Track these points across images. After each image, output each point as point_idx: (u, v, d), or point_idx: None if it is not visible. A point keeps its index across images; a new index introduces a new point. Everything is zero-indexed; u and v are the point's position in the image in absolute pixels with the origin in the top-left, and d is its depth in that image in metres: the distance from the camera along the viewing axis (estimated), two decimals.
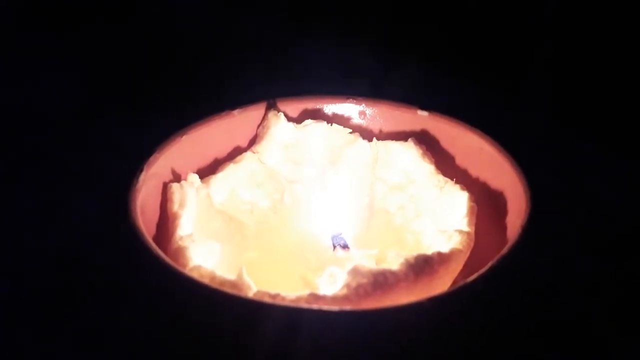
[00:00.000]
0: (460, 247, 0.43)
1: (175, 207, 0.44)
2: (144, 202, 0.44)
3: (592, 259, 0.50)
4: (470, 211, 0.45)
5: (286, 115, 0.50)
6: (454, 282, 0.43)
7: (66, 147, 0.60)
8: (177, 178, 0.47)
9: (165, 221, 0.45)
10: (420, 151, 0.48)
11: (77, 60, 0.71)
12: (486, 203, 0.46)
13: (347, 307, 0.38)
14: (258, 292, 0.39)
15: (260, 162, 0.48)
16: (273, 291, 0.39)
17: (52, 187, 0.56)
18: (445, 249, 0.42)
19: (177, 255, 0.42)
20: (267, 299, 0.38)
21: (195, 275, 0.40)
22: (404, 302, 0.38)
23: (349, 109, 0.52)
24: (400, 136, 0.50)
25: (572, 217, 0.53)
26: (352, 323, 0.37)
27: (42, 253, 0.50)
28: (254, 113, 0.50)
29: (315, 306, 0.38)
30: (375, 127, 0.51)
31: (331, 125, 0.49)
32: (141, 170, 0.45)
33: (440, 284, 0.42)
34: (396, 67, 0.67)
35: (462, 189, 0.46)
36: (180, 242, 0.42)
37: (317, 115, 0.51)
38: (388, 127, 0.51)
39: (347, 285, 0.39)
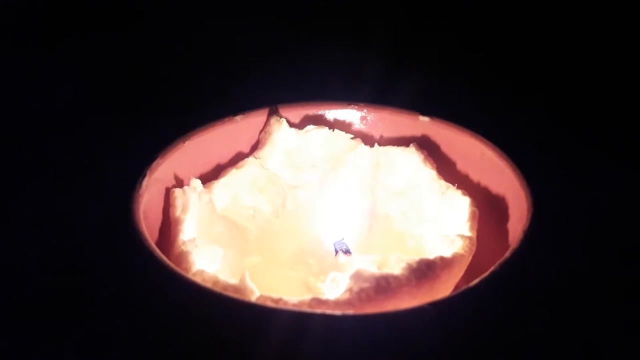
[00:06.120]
0: (462, 251, 0.43)
1: (177, 212, 0.45)
2: (146, 207, 0.44)
3: (593, 263, 0.50)
4: (472, 216, 0.45)
5: (288, 121, 0.50)
6: (456, 286, 0.43)
7: (69, 153, 0.60)
8: (179, 183, 0.47)
9: (168, 226, 0.45)
10: (422, 157, 0.48)
11: (80, 65, 0.71)
12: (488, 208, 0.47)
13: (350, 311, 0.39)
14: (261, 296, 0.39)
15: (262, 168, 0.48)
16: (275, 296, 0.39)
17: (56, 192, 0.56)
18: (447, 253, 0.42)
19: (180, 260, 0.42)
20: (269, 304, 0.38)
21: (198, 279, 0.40)
22: (406, 307, 0.39)
23: (351, 114, 0.52)
24: (402, 142, 0.50)
25: (574, 222, 0.53)
26: (355, 327, 0.38)
27: (45, 258, 0.50)
28: (256, 119, 0.50)
29: (317, 310, 0.38)
30: (376, 132, 0.52)
31: (333, 130, 0.50)
32: (144, 176, 0.45)
33: (443, 289, 0.42)
34: (397, 73, 0.67)
35: (464, 194, 0.46)
36: (183, 247, 0.42)
37: (318, 121, 0.51)
38: (389, 133, 0.51)
39: (350, 290, 0.39)
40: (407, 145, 0.49)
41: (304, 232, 0.49)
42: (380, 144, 0.50)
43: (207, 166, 0.49)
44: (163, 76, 0.70)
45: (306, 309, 0.38)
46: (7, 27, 0.77)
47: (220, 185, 0.47)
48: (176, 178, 0.47)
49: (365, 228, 0.49)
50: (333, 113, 0.52)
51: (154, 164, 0.46)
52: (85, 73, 0.70)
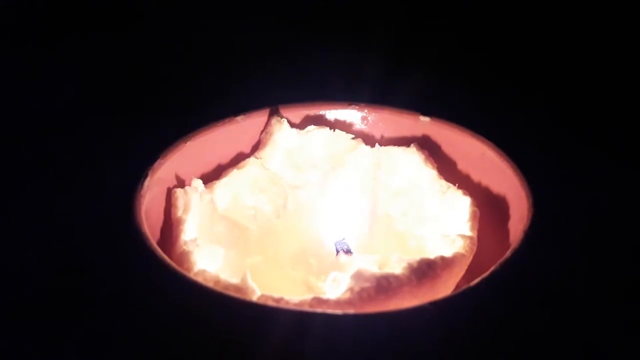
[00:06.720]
0: (463, 251, 0.43)
1: (179, 212, 0.45)
2: (148, 208, 0.44)
3: (593, 263, 0.50)
4: (473, 216, 0.45)
5: (289, 121, 0.50)
6: (457, 286, 0.43)
7: (69, 153, 0.60)
8: (181, 184, 0.47)
9: (170, 226, 0.45)
10: (423, 157, 0.48)
11: (80, 65, 0.71)
12: (488, 208, 0.47)
13: (351, 311, 0.39)
14: (262, 296, 0.39)
15: (264, 168, 0.48)
16: (276, 295, 0.39)
17: (57, 193, 0.56)
18: (448, 253, 0.42)
19: (181, 260, 0.42)
20: (271, 303, 0.39)
21: (199, 279, 0.40)
22: (407, 306, 0.39)
23: (352, 115, 0.52)
24: (403, 142, 0.50)
25: (574, 222, 0.53)
26: (355, 327, 0.38)
27: (45, 258, 0.50)
28: (257, 119, 0.50)
29: (319, 310, 0.38)
30: (377, 132, 0.52)
31: (334, 131, 0.50)
32: (146, 176, 0.45)
33: (443, 288, 0.42)
34: (398, 73, 0.67)
35: (465, 194, 0.46)
36: (184, 247, 0.43)
37: (319, 121, 0.51)
38: (390, 133, 0.51)
39: (351, 289, 0.39)
40: (408, 146, 0.49)
41: (305, 232, 0.49)
42: (381, 144, 0.50)
43: (209, 166, 0.49)
44: (163, 76, 0.70)
45: (307, 309, 0.39)
46: (7, 27, 0.77)
47: (221, 185, 0.47)
48: (178, 178, 0.47)
49: (366, 228, 0.49)
50: (334, 113, 0.52)
51: (156, 164, 0.46)
52: (85, 73, 0.70)
